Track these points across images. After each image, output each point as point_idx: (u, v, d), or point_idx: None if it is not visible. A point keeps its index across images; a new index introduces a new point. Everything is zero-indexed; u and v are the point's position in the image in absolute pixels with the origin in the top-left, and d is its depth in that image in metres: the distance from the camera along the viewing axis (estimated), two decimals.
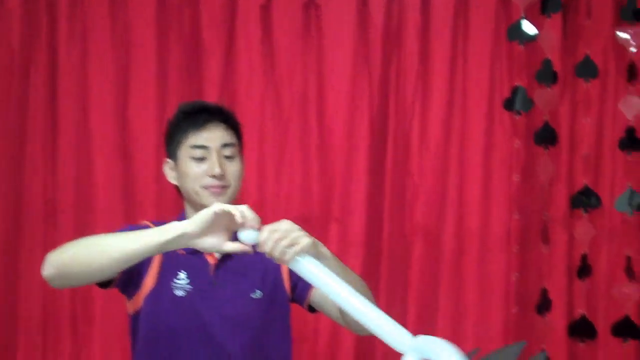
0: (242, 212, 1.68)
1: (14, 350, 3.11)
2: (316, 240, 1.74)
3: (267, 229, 1.68)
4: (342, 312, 1.93)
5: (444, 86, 3.20)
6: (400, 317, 3.09)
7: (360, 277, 1.97)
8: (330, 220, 3.16)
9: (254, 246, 1.71)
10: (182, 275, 2.01)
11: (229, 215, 1.68)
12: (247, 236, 1.69)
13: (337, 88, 3.18)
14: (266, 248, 1.67)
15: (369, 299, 1.76)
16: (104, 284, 1.95)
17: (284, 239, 1.67)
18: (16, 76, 3.10)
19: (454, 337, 3.13)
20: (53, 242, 3.04)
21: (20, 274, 3.09)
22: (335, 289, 1.68)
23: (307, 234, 1.71)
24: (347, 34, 3.16)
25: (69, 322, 3.12)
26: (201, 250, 1.76)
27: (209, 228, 1.68)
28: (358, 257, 3.13)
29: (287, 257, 1.67)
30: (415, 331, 3.15)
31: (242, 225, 1.68)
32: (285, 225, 1.70)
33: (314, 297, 2.07)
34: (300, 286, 2.07)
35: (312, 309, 2.11)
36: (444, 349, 1.54)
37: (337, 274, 1.72)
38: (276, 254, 1.67)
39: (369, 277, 3.11)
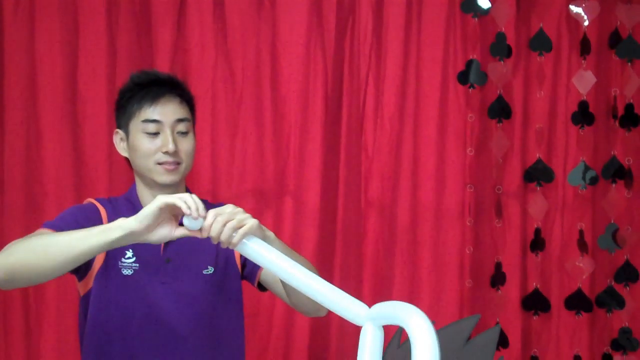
0: (186, 202, 1.63)
1: None
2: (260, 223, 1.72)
3: (212, 213, 1.65)
4: (289, 294, 1.92)
5: (398, 59, 3.17)
6: (355, 291, 3.10)
7: (305, 258, 1.95)
8: (284, 194, 3.12)
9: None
10: (129, 253, 1.98)
11: (173, 205, 1.64)
12: (192, 223, 1.66)
13: (291, 60, 3.12)
14: (212, 232, 1.64)
15: None
16: None
17: (230, 221, 1.64)
18: None
19: None
20: (2, 218, 2.99)
21: None
22: (285, 268, 1.66)
23: (251, 215, 1.68)
24: (301, 5, 3.11)
25: (21, 309, 3.05)
26: (152, 243, 1.70)
27: (155, 222, 1.65)
28: (313, 231, 3.10)
29: (234, 240, 1.64)
30: (370, 304, 3.15)
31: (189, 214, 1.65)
32: (229, 208, 1.67)
33: (263, 276, 2.05)
34: (250, 265, 2.05)
35: (262, 288, 2.09)
36: (401, 309, 1.48)
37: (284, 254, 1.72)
38: (223, 237, 1.63)
39: (324, 251, 3.10)
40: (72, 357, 2.97)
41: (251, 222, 1.66)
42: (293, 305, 1.99)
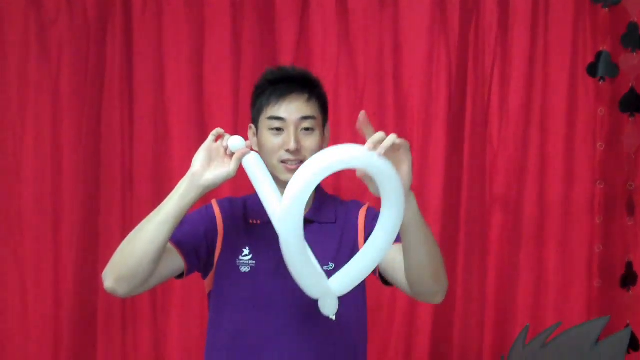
0: (215, 131, 1.87)
1: (94, 325, 3.13)
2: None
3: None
4: (410, 283, 1.86)
5: (524, 51, 3.10)
6: (478, 288, 3.05)
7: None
8: None
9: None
10: (246, 251, 1.99)
11: (212, 142, 1.85)
12: (234, 144, 1.83)
13: (414, 54, 3.10)
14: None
15: (440, 259, 1.81)
16: (180, 275, 1.98)
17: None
18: (93, 46, 3.10)
19: (535, 311, 3.08)
20: (131, 211, 3.07)
21: (100, 245, 3.10)
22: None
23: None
24: None
25: (149, 297, 3.13)
26: (219, 185, 1.84)
27: (212, 160, 1.83)
28: (435, 227, 3.05)
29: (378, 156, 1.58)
30: (496, 305, 3.09)
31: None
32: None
33: (382, 264, 1.97)
34: None
35: (385, 281, 2.04)
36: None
37: (419, 217, 1.73)
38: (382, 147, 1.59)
39: (447, 246, 3.06)
40: (195, 344, 3.05)
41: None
42: (415, 295, 1.91)
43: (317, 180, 1.53)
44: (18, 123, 3.14)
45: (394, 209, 1.63)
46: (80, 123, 3.11)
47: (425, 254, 1.76)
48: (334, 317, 1.71)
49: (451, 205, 3.08)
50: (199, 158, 1.83)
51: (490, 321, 3.10)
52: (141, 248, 1.80)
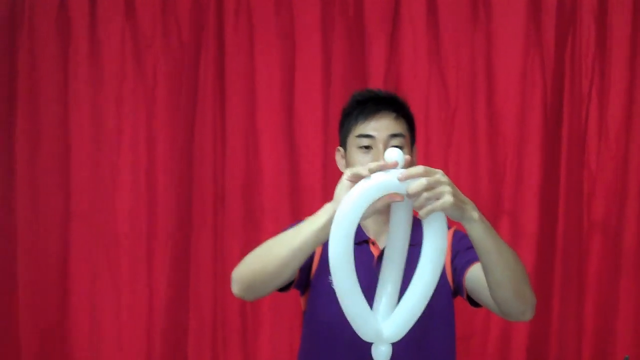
0: (370, 168, 1.57)
1: (185, 343, 3.14)
2: (466, 202, 1.59)
3: (421, 170, 1.52)
4: (496, 302, 1.77)
5: (623, 72, 2.98)
6: (575, 316, 2.93)
7: (517, 257, 1.78)
8: (501, 214, 3.02)
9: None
10: None
11: (360, 175, 1.61)
12: (391, 154, 1.58)
13: (508, 73, 3.03)
14: (410, 190, 1.52)
15: (522, 277, 1.71)
16: (284, 288, 1.97)
17: (428, 191, 1.51)
18: (186, 68, 3.14)
19: (636, 341, 2.93)
20: (222, 230, 3.11)
21: (191, 260, 3.12)
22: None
23: (452, 189, 1.54)
24: (518, 15, 3.01)
25: (239, 317, 3.14)
26: (362, 220, 1.64)
27: None
28: (530, 254, 2.97)
29: (421, 213, 1.52)
30: (595, 335, 2.96)
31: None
32: (438, 175, 1.53)
33: (468, 281, 1.92)
34: (458, 276, 1.95)
35: (474, 303, 1.97)
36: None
37: (487, 240, 1.64)
38: (417, 204, 1.52)
39: (542, 273, 2.98)
40: None
41: (444, 199, 1.53)
42: (503, 314, 1.82)
43: (362, 207, 1.53)
44: (115, 138, 3.21)
45: (430, 240, 1.59)
46: (174, 139, 3.16)
47: (501, 274, 1.69)
48: None
49: (547, 231, 2.98)
50: (344, 193, 1.65)
51: (588, 352, 2.98)
52: (274, 269, 1.77)
